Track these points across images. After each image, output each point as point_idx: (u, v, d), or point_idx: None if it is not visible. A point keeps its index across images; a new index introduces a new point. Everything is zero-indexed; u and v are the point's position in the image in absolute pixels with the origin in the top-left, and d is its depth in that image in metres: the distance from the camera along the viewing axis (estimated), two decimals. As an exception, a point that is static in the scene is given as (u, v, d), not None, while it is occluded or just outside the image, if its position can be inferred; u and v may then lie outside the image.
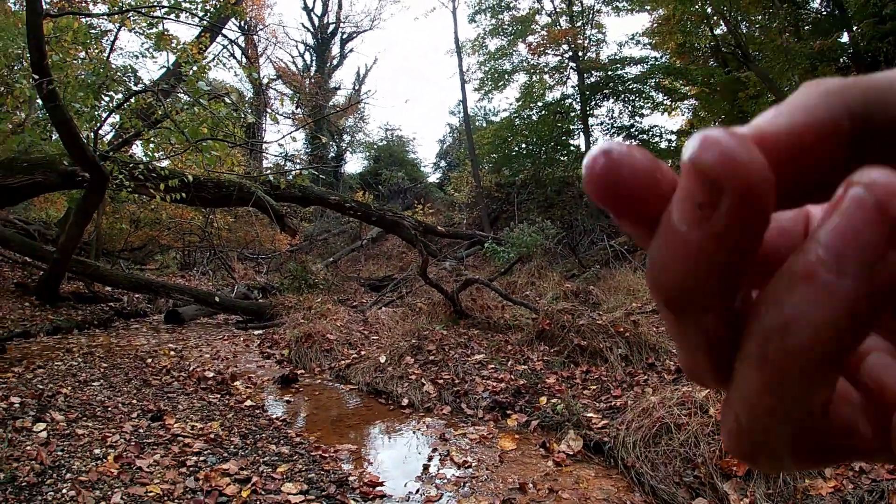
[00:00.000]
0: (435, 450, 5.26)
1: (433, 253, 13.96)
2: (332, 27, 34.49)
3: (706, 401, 4.93)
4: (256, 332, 10.03)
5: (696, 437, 4.66)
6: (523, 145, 22.73)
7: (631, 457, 4.76)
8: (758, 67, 17.83)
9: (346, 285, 14.16)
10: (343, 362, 7.81)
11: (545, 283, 10.01)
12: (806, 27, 20.77)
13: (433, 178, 33.91)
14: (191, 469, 4.64)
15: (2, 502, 3.88)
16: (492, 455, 5.11)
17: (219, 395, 6.60)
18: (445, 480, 4.66)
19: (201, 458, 4.86)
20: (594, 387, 6.28)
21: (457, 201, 22.26)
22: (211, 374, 7.17)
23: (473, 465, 4.94)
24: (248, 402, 6.44)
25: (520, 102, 23.37)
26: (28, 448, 4.73)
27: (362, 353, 8.02)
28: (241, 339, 9.65)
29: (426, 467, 4.92)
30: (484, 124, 27.43)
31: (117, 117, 10.80)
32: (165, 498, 4.14)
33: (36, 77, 7.37)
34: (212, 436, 5.32)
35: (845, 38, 19.19)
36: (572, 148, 22.53)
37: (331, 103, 30.57)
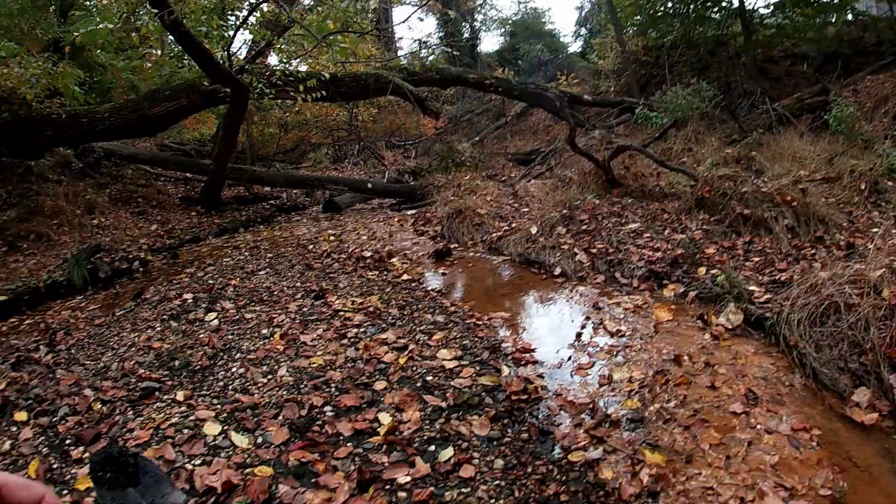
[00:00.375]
0: (588, 318, 5.23)
1: (580, 122, 13.60)
2: None
3: (881, 281, 4.61)
4: (409, 213, 10.33)
5: (867, 320, 4.34)
6: (669, 4, 21.00)
7: (794, 335, 4.51)
8: None
9: (494, 161, 14.18)
10: (495, 235, 7.88)
11: (703, 149, 9.52)
12: None
13: (574, 47, 31.83)
14: (351, 340, 4.88)
15: (178, 385, 4.24)
16: (646, 325, 5.01)
17: (377, 272, 6.83)
18: (598, 348, 4.65)
19: (361, 330, 5.10)
20: (757, 259, 6.02)
21: (602, 69, 21.00)
22: (368, 254, 7.45)
23: (627, 334, 4.87)
24: (405, 277, 6.64)
25: (664, -41, 21.39)
26: (201, 336, 5.12)
27: (513, 225, 8.05)
28: (396, 220, 9.96)
29: (578, 335, 4.92)
30: None
31: (248, 34, 11.05)
32: (328, 368, 4.39)
33: (156, 10, 7.59)
34: (371, 309, 5.54)
35: None
36: (724, 3, 20.61)
37: None
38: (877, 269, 4.67)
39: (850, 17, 20.94)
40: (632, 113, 13.60)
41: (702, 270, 5.82)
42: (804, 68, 18.44)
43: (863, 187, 7.30)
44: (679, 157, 9.44)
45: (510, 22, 32.43)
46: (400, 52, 22.99)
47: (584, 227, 7.30)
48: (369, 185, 11.44)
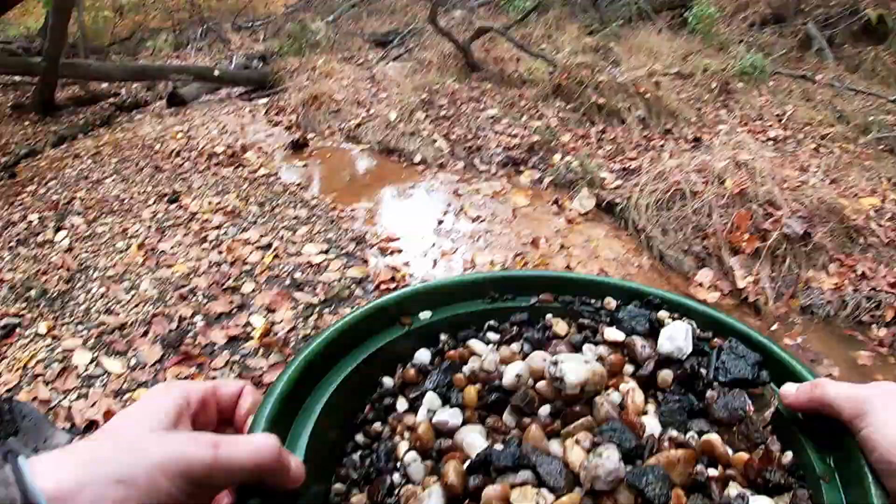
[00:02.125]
0: (449, 205, 5.35)
1: (440, 1, 13.04)
2: None
3: (724, 171, 4.84)
4: (261, 102, 9.55)
5: (710, 206, 4.64)
6: None
7: (642, 219, 4.79)
8: None
9: (350, 42, 13.25)
10: (353, 122, 7.53)
11: (563, 37, 9.44)
12: None
13: None
14: (213, 244, 4.77)
15: (38, 317, 3.94)
16: (505, 210, 5.21)
17: (231, 169, 6.48)
18: (460, 234, 4.80)
19: (222, 232, 4.93)
20: (609, 147, 6.17)
21: None
22: (221, 149, 6.98)
23: (487, 219, 5.06)
24: (262, 171, 6.38)
25: None
26: (53, 259, 4.72)
27: (371, 111, 7.72)
28: (247, 110, 9.24)
29: (440, 222, 5.04)
30: None
31: None
32: (192, 275, 4.31)
33: None
34: (229, 208, 5.36)
35: None
36: None
37: None
38: (721, 161, 4.92)
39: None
40: (495, -6, 13.22)
41: (557, 157, 5.92)
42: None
43: (714, 86, 7.54)
44: (539, 44, 9.27)
45: None
46: None
47: (444, 112, 7.12)
48: (216, 73, 10.39)
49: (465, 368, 0.77)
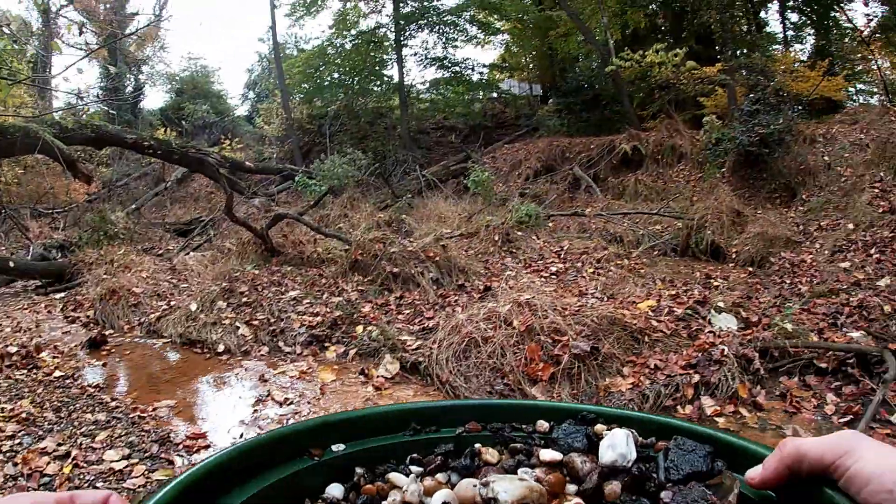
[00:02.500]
0: (256, 391, 5.30)
1: (240, 190, 13.39)
2: (133, -61, 31.07)
3: (509, 314, 5.24)
4: (58, 296, 9.21)
5: (503, 347, 4.97)
6: (336, 75, 22.13)
7: (444, 372, 5.00)
8: (569, 8, 18.63)
9: (151, 232, 13.23)
10: (153, 315, 7.43)
11: (358, 215, 10.01)
12: None
13: (241, 110, 31.78)
14: (7, 455, 4.38)
15: None
16: (313, 388, 5.25)
17: (25, 371, 6.14)
18: (268, 420, 4.74)
19: (16, 442, 4.58)
20: (408, 311, 6.47)
21: (267, 135, 21.26)
22: (14, 349, 6.55)
23: (295, 401, 5.04)
24: (58, 373, 6.06)
25: (333, 30, 22.55)
26: None
27: (172, 303, 7.65)
28: (43, 305, 8.85)
29: (249, 410, 4.96)
30: (295, 52, 26.13)
31: None
32: None
33: None
34: (23, 415, 5.00)
35: None
36: (386, 78, 22.34)
37: (128, 31, 27.64)
38: (505, 305, 5.32)
39: (494, 94, 24.09)
40: (294, 180, 13.83)
41: (359, 329, 6.12)
42: (453, 139, 20.60)
43: (496, 238, 8.23)
44: (336, 223, 9.78)
45: (177, 78, 30.84)
46: (55, 102, 20.59)
47: (245, 299, 7.16)
48: (11, 265, 9.91)
49: None
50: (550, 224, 9.70)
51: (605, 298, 6.00)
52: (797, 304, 6.52)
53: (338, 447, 0.79)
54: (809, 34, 23.44)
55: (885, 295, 6.22)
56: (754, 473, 0.63)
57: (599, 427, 0.78)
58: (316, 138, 20.45)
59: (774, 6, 22.71)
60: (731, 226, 9.60)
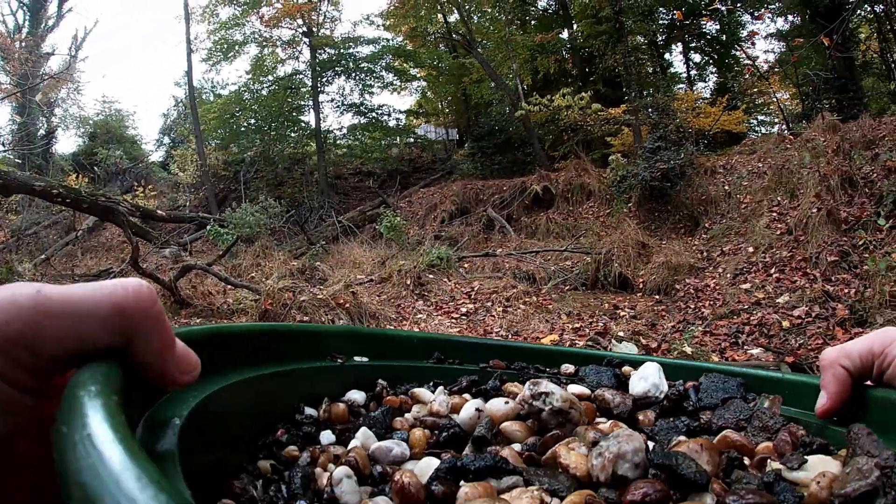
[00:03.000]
0: None
1: (151, 239, 13.07)
2: (49, -22, 29.94)
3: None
4: None
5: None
6: (252, 121, 22.01)
7: None
8: (480, 55, 19.26)
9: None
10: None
11: (271, 263, 9.93)
12: (532, 22, 23.00)
13: (156, 156, 30.71)
14: None
15: None
16: None
17: None
18: None
19: None
20: (319, 361, 6.47)
21: (181, 182, 20.73)
22: None
23: None
24: None
25: (250, 75, 22.59)
26: None
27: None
28: None
29: None
30: (211, 98, 25.77)
31: None
32: None
33: None
34: None
35: (566, 34, 21.61)
36: (303, 124, 22.35)
37: (42, 71, 26.62)
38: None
39: (411, 139, 24.47)
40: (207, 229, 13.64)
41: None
42: (370, 184, 20.75)
43: (409, 282, 8.32)
44: (249, 273, 9.70)
45: (91, 122, 29.47)
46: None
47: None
48: None
49: (409, 415, 0.67)
50: (466, 266, 9.89)
51: (510, 335, 6.15)
52: (700, 326, 6.84)
53: (360, 359, 0.78)
54: (712, 72, 25.00)
55: (784, 311, 6.60)
56: (822, 401, 0.61)
57: (627, 369, 0.76)
58: (231, 185, 20.21)
59: (678, 48, 24.12)
60: (637, 257, 9.97)
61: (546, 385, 0.60)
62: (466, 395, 0.71)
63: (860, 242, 7.48)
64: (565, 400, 0.59)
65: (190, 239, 14.30)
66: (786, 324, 6.32)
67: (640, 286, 9.41)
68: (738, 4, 21.13)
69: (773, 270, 8.05)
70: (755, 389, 0.69)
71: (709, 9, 17.55)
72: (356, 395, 0.70)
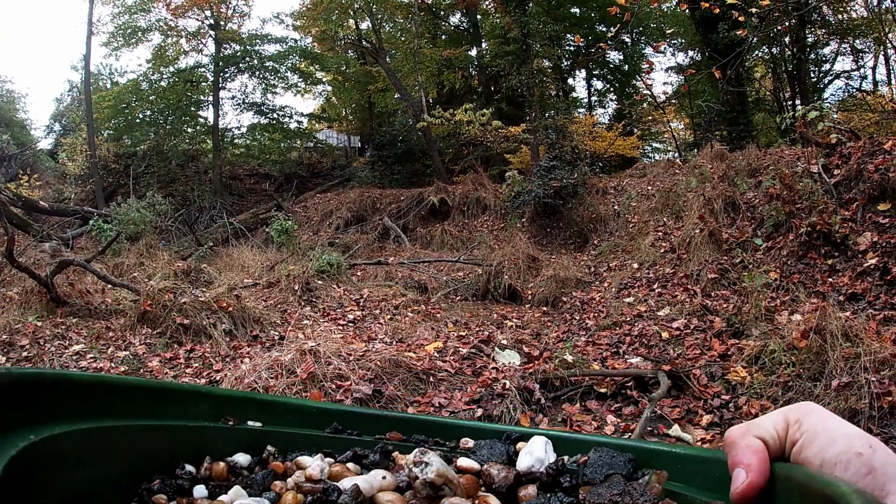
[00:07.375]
0: None
1: (31, 232, 12.42)
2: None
3: (293, 362, 5.29)
4: None
5: (284, 395, 5.00)
6: (148, 112, 21.16)
7: None
8: (387, 65, 19.38)
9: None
10: None
11: (155, 263, 9.63)
12: (443, 36, 23.34)
13: (45, 143, 29.17)
14: None
15: None
16: None
17: None
18: None
19: None
20: (197, 364, 6.33)
21: (69, 172, 19.55)
22: None
23: None
24: None
25: (150, 64, 21.64)
26: None
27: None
28: None
29: None
30: (109, 85, 24.49)
31: None
32: None
33: None
34: None
35: (474, 52, 22.06)
36: (201, 120, 21.71)
37: None
38: (288, 353, 5.36)
39: (311, 143, 24.20)
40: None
41: (141, 383, 5.83)
42: (266, 186, 20.41)
43: (296, 288, 8.25)
44: (131, 272, 9.36)
45: None
46: None
47: (25, 353, 6.66)
48: None
49: (290, 480, 0.68)
50: (358, 273, 9.89)
51: (394, 342, 6.22)
52: (583, 337, 7.12)
53: (254, 423, 0.79)
54: (612, 99, 26.23)
55: (664, 323, 6.97)
56: (739, 479, 0.53)
57: (521, 444, 0.76)
58: (121, 179, 19.32)
59: (583, 74, 25.20)
60: (527, 270, 10.28)
61: (430, 456, 0.63)
62: (350, 465, 0.74)
63: (738, 261, 7.95)
64: (440, 475, 0.62)
65: (73, 234, 13.61)
66: (665, 335, 6.68)
67: (529, 298, 9.69)
68: (643, 38, 22.28)
69: (655, 286, 8.48)
70: (647, 464, 0.68)
71: (611, 38, 18.34)
72: (241, 458, 0.74)
